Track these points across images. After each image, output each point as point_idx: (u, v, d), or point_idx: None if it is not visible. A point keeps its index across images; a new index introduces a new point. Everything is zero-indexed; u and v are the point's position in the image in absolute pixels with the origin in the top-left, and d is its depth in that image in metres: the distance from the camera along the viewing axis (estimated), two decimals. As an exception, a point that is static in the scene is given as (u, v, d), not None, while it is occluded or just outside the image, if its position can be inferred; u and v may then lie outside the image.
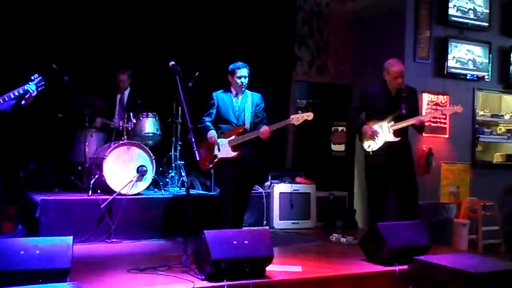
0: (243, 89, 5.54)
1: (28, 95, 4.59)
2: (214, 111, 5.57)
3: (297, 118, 5.38)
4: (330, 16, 8.47)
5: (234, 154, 5.44)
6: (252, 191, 6.30)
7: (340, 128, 8.41)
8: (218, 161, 5.53)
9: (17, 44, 6.33)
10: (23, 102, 4.63)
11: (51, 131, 6.64)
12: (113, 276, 4.14)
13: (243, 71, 5.48)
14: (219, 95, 5.59)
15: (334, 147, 8.46)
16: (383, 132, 5.56)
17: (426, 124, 7.12)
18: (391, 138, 5.53)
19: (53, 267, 3.59)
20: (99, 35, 6.93)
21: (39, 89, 4.65)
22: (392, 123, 5.53)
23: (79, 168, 6.39)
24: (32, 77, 4.64)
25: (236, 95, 5.57)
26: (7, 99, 4.50)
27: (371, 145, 5.63)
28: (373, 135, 5.55)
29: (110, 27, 6.98)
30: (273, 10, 7.88)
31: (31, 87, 4.58)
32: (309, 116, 5.36)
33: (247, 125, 5.51)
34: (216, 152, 5.51)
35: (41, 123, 6.56)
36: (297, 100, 8.32)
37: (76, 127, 6.52)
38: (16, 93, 4.54)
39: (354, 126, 5.70)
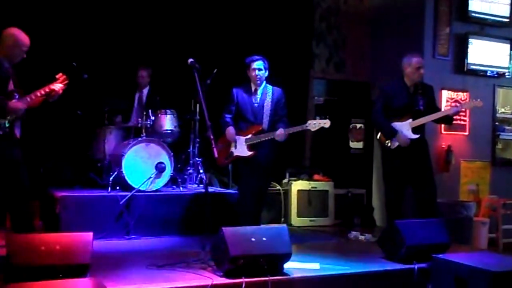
0: (260, 82, 5.49)
1: (54, 94, 4.67)
2: (233, 107, 5.56)
3: (313, 124, 5.28)
4: (348, 13, 8.43)
5: (249, 153, 5.43)
6: (270, 188, 6.32)
7: (358, 125, 8.38)
8: (234, 158, 5.55)
9: (37, 42, 6.38)
10: (50, 99, 4.72)
11: (71, 128, 6.70)
12: (132, 272, 4.17)
13: (258, 64, 5.44)
14: (239, 92, 5.56)
15: (353, 144, 8.42)
16: (403, 131, 5.51)
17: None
18: (411, 135, 5.49)
19: (74, 263, 3.63)
20: (118, 33, 6.97)
21: (64, 87, 4.73)
22: (411, 120, 5.50)
23: (99, 165, 6.45)
24: (57, 76, 4.71)
25: (256, 91, 5.52)
26: (34, 97, 4.57)
27: (391, 143, 5.58)
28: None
29: (129, 25, 7.02)
30: (290, 7, 7.86)
31: (56, 86, 4.65)
32: (326, 123, 5.25)
33: (265, 125, 5.48)
34: (232, 149, 5.53)
35: (61, 120, 6.62)
36: (315, 98, 8.30)
37: (95, 124, 6.57)
38: (43, 92, 4.61)
39: (389, 134, 5.62)
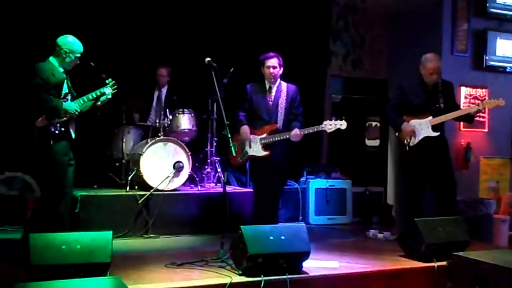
0: (275, 80, 5.40)
1: (104, 98, 4.89)
2: (247, 105, 5.48)
3: (329, 126, 5.17)
4: (366, 10, 8.39)
5: (265, 153, 5.32)
6: (288, 187, 6.28)
7: (373, 123, 8.35)
8: (248, 158, 5.47)
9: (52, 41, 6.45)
10: (98, 103, 4.93)
11: (89, 128, 6.74)
12: (151, 270, 4.19)
13: (273, 61, 5.33)
14: (253, 89, 5.48)
15: (368, 142, 8.40)
16: (422, 128, 5.48)
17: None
18: (431, 133, 5.45)
19: (94, 262, 3.66)
20: (135, 33, 7.01)
21: (114, 92, 4.95)
22: (431, 118, 5.45)
23: (117, 164, 6.49)
24: (107, 81, 4.95)
25: (270, 88, 5.42)
26: (86, 100, 4.82)
27: (410, 141, 5.54)
28: (412, 134, 5.46)
29: (146, 24, 7.05)
30: (308, 5, 7.84)
31: (106, 90, 4.88)
32: (343, 125, 5.16)
33: (280, 124, 5.37)
34: (247, 148, 5.40)
35: (80, 120, 6.66)
36: (333, 95, 8.27)
37: (114, 124, 6.62)
38: (94, 95, 4.85)
39: (394, 125, 5.62)
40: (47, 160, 4.64)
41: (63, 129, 4.66)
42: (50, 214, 4.63)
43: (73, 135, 4.80)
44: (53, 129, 4.62)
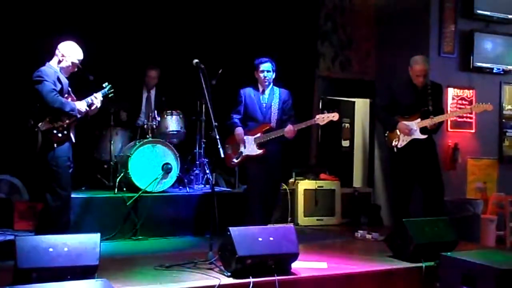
0: (268, 84, 5.54)
1: (93, 107, 4.90)
2: (241, 108, 5.59)
3: (322, 118, 5.34)
4: (354, 12, 8.40)
5: (259, 152, 5.45)
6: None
7: (346, 125, 8.45)
8: (243, 158, 5.54)
9: (43, 44, 6.41)
10: (89, 112, 4.94)
11: (77, 130, 6.70)
12: (140, 272, 4.19)
13: (266, 66, 5.49)
14: (246, 92, 5.60)
15: (344, 143, 8.51)
16: (411, 130, 5.50)
17: (452, 119, 7.09)
18: (419, 135, 5.48)
19: (82, 264, 3.64)
20: (123, 34, 6.97)
21: (110, 95, 5.04)
22: (419, 120, 5.47)
23: (105, 166, 6.46)
24: (104, 85, 5.04)
25: (263, 91, 5.56)
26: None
27: (398, 142, 5.57)
28: (409, 133, 5.48)
29: (134, 26, 7.01)
30: (296, 6, 7.85)
31: (95, 99, 4.90)
32: (335, 116, 5.31)
33: (273, 123, 5.51)
34: (241, 149, 5.52)
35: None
36: (321, 97, 8.29)
37: (102, 126, 6.58)
38: (89, 100, 4.88)
39: (389, 125, 5.64)
40: (51, 163, 4.64)
41: (65, 132, 4.69)
42: (58, 219, 4.65)
43: (73, 139, 4.81)
44: (56, 133, 4.64)
